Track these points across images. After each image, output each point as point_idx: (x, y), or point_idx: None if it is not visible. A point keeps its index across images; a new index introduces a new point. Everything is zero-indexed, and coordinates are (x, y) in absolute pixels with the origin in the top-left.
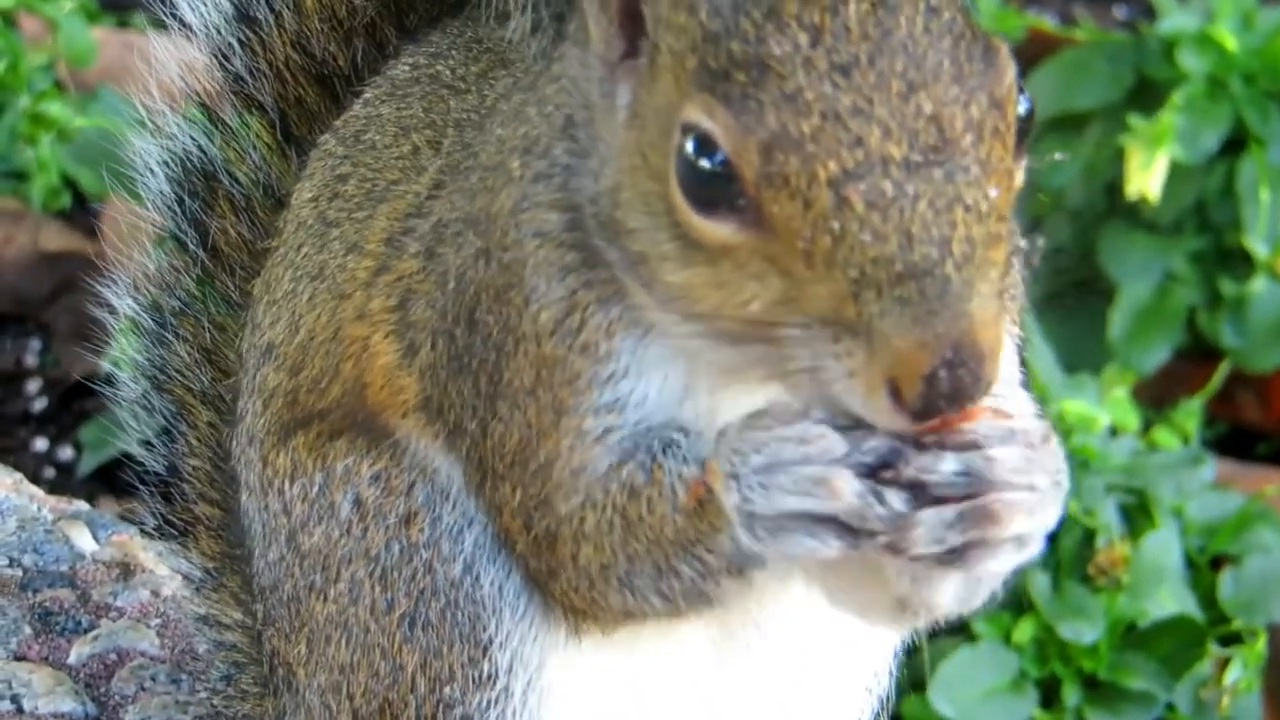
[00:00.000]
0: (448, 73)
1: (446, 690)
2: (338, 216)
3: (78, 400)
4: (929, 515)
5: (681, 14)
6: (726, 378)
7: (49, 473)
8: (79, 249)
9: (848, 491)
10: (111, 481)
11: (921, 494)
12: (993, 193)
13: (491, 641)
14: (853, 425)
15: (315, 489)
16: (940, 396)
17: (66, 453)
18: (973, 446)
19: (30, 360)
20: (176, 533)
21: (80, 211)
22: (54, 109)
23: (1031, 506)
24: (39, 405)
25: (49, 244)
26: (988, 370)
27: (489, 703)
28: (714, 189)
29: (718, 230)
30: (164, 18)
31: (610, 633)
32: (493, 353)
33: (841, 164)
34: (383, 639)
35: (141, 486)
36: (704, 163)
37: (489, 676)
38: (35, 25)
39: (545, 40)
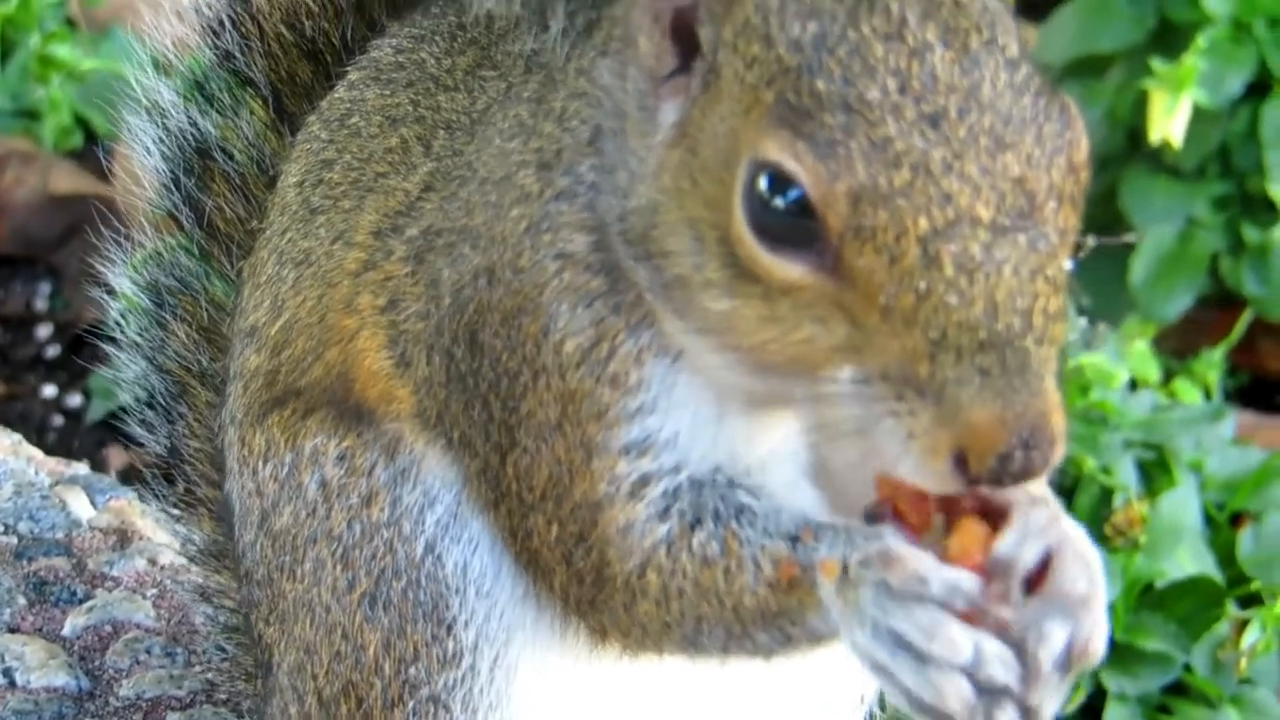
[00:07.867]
0: (432, 61)
1: (412, 670)
2: (322, 203)
3: (87, 345)
4: (1050, 674)
5: (755, 44)
6: (758, 408)
7: (57, 420)
8: (90, 190)
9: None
10: (120, 429)
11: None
12: (1065, 264)
13: (456, 620)
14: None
15: (285, 470)
16: (1008, 474)
17: (75, 399)
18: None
19: (40, 304)
20: (179, 516)
21: (92, 152)
22: (63, 51)
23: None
24: (49, 351)
25: (60, 185)
26: (1057, 453)
27: (456, 681)
28: (785, 227)
29: (786, 269)
30: None
31: (637, 659)
32: (504, 380)
33: (932, 222)
34: (343, 618)
35: (144, 469)
36: (778, 201)
37: (454, 655)
38: None
39: (570, 49)
